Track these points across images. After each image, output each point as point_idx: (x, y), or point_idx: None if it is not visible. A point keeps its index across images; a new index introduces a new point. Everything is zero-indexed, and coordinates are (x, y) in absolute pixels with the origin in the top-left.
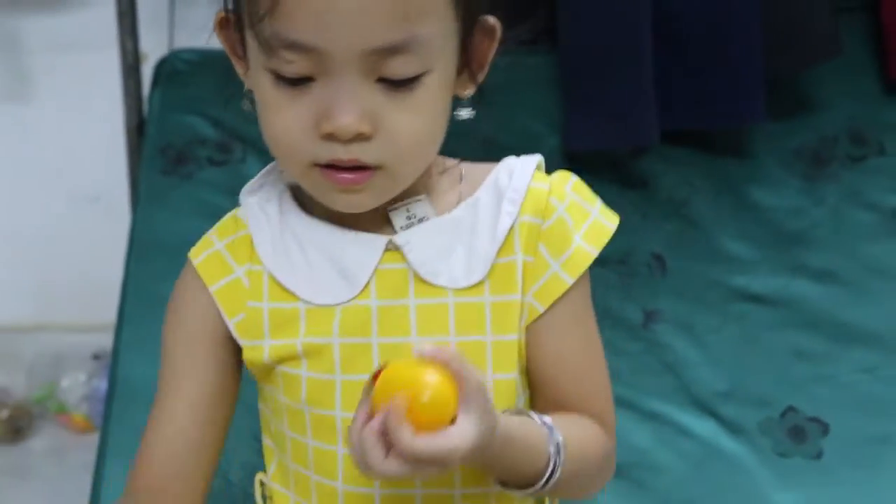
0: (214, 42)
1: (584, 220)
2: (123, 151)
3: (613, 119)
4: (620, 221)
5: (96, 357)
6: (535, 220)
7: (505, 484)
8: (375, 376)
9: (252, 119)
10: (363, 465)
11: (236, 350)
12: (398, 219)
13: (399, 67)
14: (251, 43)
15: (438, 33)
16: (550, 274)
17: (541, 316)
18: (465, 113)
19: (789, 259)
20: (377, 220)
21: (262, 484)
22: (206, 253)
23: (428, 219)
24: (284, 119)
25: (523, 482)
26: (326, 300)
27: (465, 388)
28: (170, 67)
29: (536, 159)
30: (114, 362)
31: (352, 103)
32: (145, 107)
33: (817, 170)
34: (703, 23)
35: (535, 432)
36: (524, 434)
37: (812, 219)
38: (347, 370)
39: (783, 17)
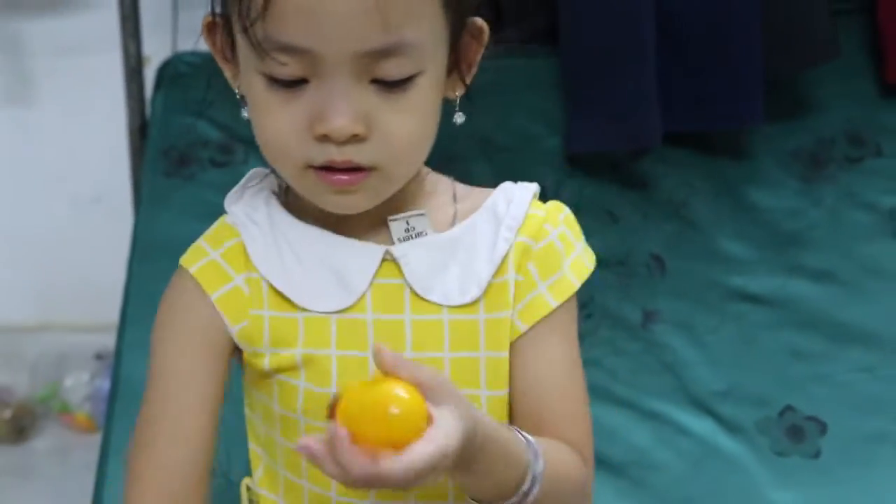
0: None
1: (571, 251)
2: (126, 153)
3: (615, 120)
4: (620, 221)
5: (99, 357)
6: (528, 241)
7: (480, 500)
8: (331, 411)
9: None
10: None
11: (228, 357)
12: (397, 229)
13: (392, 69)
14: (242, 46)
15: (430, 35)
16: (535, 294)
17: (523, 335)
18: (458, 118)
19: (787, 259)
20: (370, 227)
21: (248, 489)
22: (203, 262)
23: (425, 234)
24: (278, 121)
25: (500, 494)
26: (323, 307)
27: (429, 387)
28: (172, 70)
29: (533, 188)
30: (116, 362)
31: (346, 105)
32: (148, 109)
33: (815, 171)
34: (702, 24)
35: (514, 439)
36: (504, 438)
37: (810, 220)
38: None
39: (782, 19)
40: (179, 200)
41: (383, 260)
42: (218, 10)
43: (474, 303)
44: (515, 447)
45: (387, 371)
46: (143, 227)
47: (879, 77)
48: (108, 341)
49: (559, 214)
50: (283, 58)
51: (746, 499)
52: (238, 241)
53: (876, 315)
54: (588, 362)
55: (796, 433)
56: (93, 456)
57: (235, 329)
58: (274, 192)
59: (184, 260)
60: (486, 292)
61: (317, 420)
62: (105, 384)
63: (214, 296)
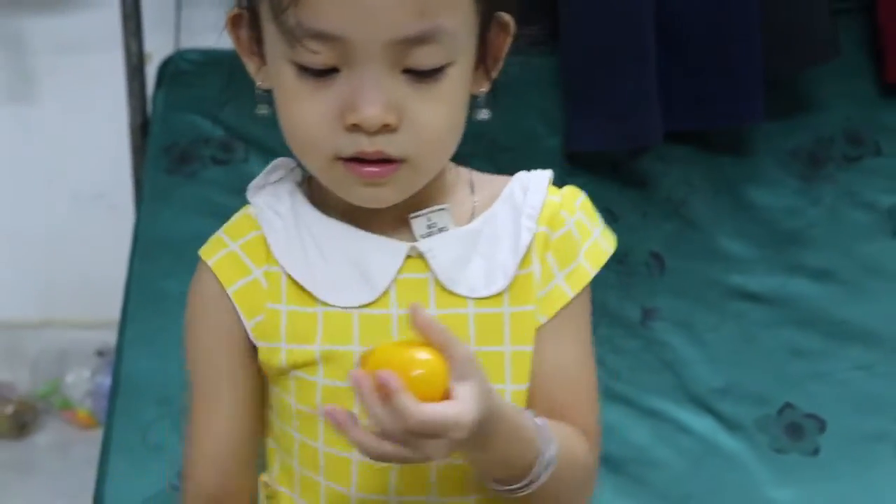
0: (220, 42)
1: (588, 238)
2: (127, 151)
3: (615, 119)
4: (620, 220)
5: (100, 353)
6: (547, 230)
7: (493, 480)
8: (362, 363)
9: (255, 119)
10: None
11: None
12: (419, 226)
13: (425, 58)
14: (272, 36)
15: (463, 25)
16: (554, 285)
17: (542, 326)
18: (483, 113)
19: (786, 258)
20: (394, 224)
21: (265, 485)
22: (221, 253)
23: (447, 229)
24: (307, 111)
25: (511, 474)
26: (345, 302)
27: (456, 359)
28: (174, 67)
29: (548, 175)
30: (117, 358)
31: (377, 94)
32: (149, 107)
33: (814, 170)
34: (703, 24)
35: (526, 420)
36: (516, 418)
37: (809, 218)
38: None
39: (782, 19)
40: (180, 198)
41: (408, 256)
42: (244, 2)
43: (499, 295)
44: (527, 428)
45: (418, 328)
46: (145, 224)
47: (879, 77)
48: (110, 338)
49: (575, 200)
50: (314, 45)
51: (746, 496)
52: (259, 234)
53: (875, 313)
54: None
55: (795, 431)
56: (94, 452)
57: (251, 324)
58: (298, 185)
59: (203, 251)
60: (511, 285)
61: None
62: (106, 380)
63: (231, 289)
